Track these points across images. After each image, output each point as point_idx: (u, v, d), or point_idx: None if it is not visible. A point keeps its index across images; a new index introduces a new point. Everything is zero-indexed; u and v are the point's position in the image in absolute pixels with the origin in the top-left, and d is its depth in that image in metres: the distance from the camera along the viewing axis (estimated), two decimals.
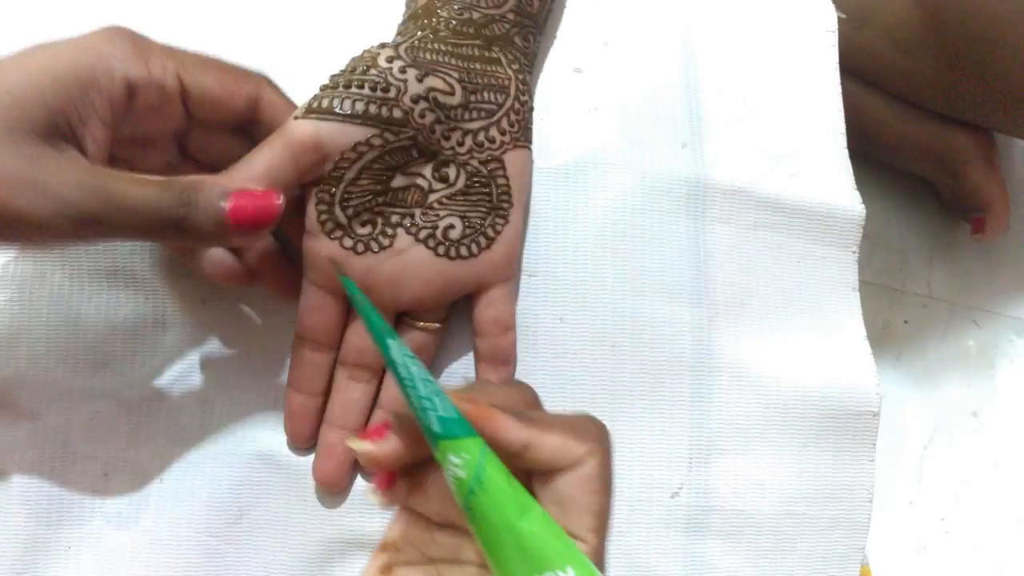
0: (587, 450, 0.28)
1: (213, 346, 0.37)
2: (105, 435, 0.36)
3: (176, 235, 0.29)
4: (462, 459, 0.26)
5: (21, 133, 0.27)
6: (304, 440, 0.36)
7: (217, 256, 0.35)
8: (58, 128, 0.28)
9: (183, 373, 0.37)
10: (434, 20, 0.35)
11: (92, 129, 0.29)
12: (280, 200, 0.30)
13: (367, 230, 0.34)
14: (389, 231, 0.34)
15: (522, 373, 0.37)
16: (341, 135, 0.32)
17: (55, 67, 0.28)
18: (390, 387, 0.36)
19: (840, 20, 0.45)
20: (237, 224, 0.29)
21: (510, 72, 0.36)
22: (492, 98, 0.35)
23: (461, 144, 0.35)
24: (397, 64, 0.33)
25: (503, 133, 0.35)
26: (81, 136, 0.28)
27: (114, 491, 0.36)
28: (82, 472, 0.35)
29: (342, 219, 0.33)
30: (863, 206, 0.42)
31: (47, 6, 0.38)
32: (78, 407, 0.35)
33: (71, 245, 0.30)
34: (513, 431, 0.27)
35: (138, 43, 0.30)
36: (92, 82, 0.28)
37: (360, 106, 0.32)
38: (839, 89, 0.44)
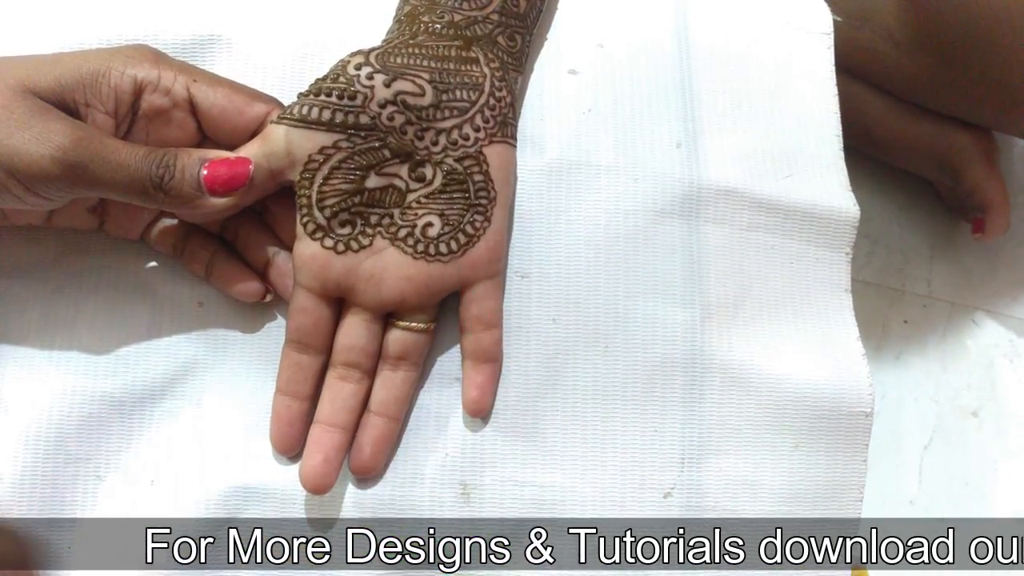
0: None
1: (208, 350, 0.37)
2: (98, 437, 0.36)
3: (157, 194, 0.32)
4: None
5: (31, 92, 0.31)
6: (286, 443, 0.36)
7: (244, 281, 0.36)
8: (64, 102, 0.31)
9: (177, 376, 0.37)
10: (415, 25, 0.36)
11: (95, 114, 0.32)
12: (252, 166, 0.33)
13: (347, 230, 0.35)
14: (369, 231, 0.35)
15: (515, 373, 0.38)
16: (308, 140, 0.34)
17: (78, 59, 0.32)
18: (380, 389, 0.36)
19: (837, 22, 0.45)
20: (212, 187, 0.32)
21: (487, 70, 0.36)
22: (465, 96, 0.35)
23: (435, 143, 0.35)
24: (365, 71, 0.34)
25: (477, 130, 0.36)
26: (84, 117, 0.32)
27: (107, 493, 0.36)
28: (75, 474, 0.35)
29: (321, 220, 0.34)
30: (857, 207, 0.42)
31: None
32: (71, 409, 0.35)
33: (61, 195, 0.31)
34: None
35: (156, 55, 0.34)
36: (105, 72, 0.32)
37: (327, 114, 0.33)
38: (835, 91, 0.44)
